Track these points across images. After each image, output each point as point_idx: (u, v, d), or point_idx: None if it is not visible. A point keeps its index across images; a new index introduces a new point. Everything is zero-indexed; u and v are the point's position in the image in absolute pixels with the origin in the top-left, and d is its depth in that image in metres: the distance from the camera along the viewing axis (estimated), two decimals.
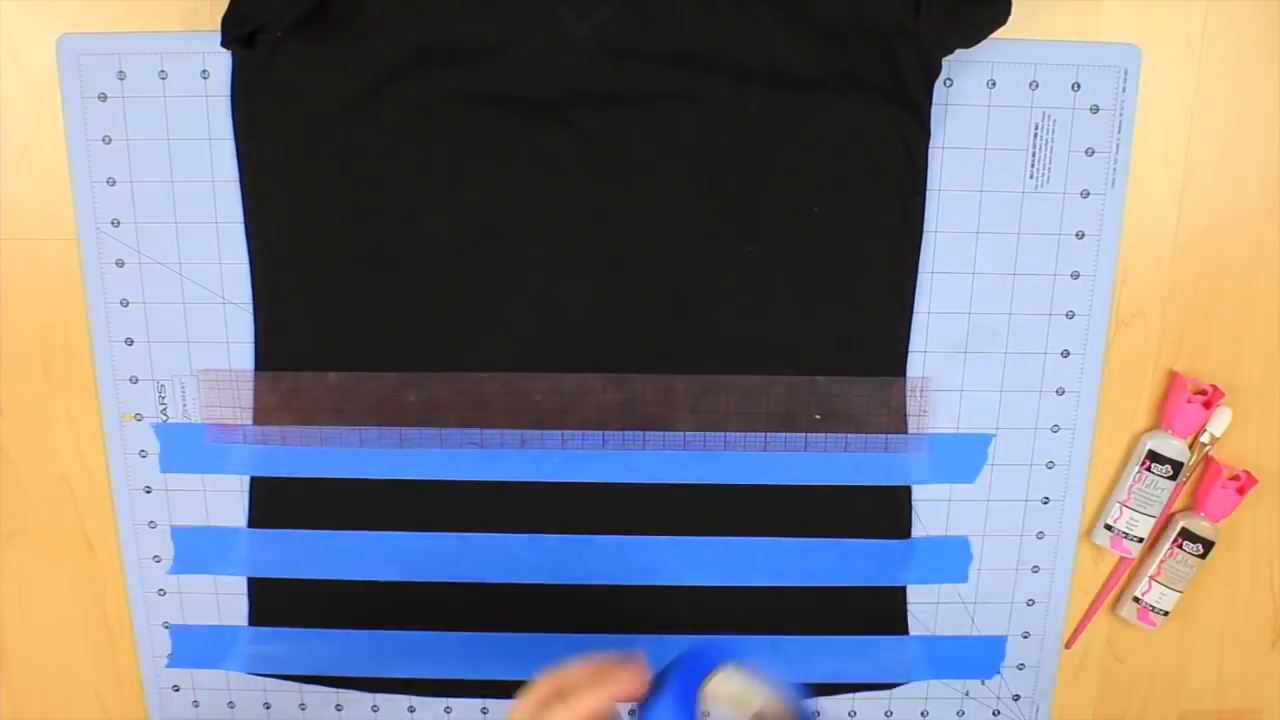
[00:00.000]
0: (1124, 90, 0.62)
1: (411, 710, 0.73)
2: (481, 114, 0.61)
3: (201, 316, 0.65)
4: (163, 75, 0.62)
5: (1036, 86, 0.62)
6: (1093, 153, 0.63)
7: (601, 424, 0.66)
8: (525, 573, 0.69)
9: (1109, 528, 0.68)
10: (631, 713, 0.55)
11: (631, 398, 0.65)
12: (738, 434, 0.66)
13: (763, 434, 0.66)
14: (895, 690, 0.72)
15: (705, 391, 0.65)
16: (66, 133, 0.63)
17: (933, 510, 0.68)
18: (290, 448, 0.67)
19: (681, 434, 0.66)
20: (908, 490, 0.68)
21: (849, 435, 0.66)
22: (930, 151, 0.62)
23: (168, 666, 0.72)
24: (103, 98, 0.62)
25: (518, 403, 0.65)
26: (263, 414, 0.66)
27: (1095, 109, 0.62)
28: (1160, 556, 0.69)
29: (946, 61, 0.60)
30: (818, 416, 0.66)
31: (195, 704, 0.73)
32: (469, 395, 0.65)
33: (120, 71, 0.62)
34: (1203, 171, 0.64)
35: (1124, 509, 0.68)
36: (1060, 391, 0.66)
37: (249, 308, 0.65)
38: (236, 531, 0.69)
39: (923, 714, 0.73)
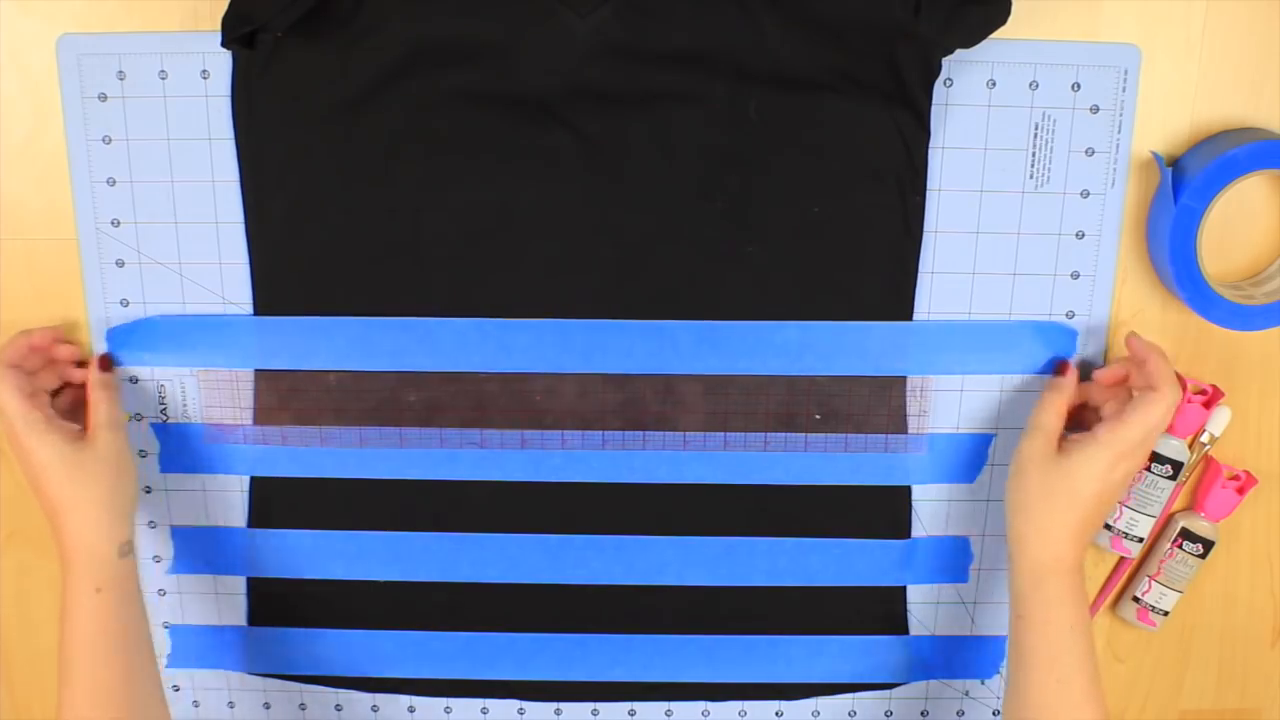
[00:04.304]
0: (1124, 90, 0.62)
1: (411, 710, 0.73)
2: (481, 113, 0.61)
3: None
4: (163, 75, 0.62)
5: (1036, 86, 0.62)
6: (1093, 153, 0.63)
7: (601, 424, 0.66)
8: (525, 573, 0.69)
9: (1109, 527, 0.68)
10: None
11: (631, 398, 0.65)
12: (738, 434, 0.66)
13: (763, 434, 0.66)
14: (895, 690, 0.72)
15: (705, 391, 0.65)
16: (66, 133, 0.63)
17: (933, 510, 0.68)
18: (290, 448, 0.67)
19: (681, 434, 0.66)
20: (908, 490, 0.68)
21: (849, 435, 0.66)
22: (930, 151, 0.62)
23: (167, 667, 0.71)
24: (103, 98, 0.62)
25: (518, 403, 0.65)
26: (263, 414, 0.66)
27: (1095, 109, 0.62)
28: (1160, 556, 0.69)
29: (946, 61, 0.60)
30: (817, 416, 0.66)
31: (195, 704, 0.73)
32: (469, 395, 0.65)
33: (120, 71, 0.62)
34: None
35: (1124, 509, 0.68)
36: None
37: (249, 308, 0.65)
38: (236, 531, 0.69)
39: (923, 714, 0.73)
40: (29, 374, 0.62)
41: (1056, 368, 0.64)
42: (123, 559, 0.61)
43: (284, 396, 0.66)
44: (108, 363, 0.64)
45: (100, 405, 0.62)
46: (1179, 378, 0.66)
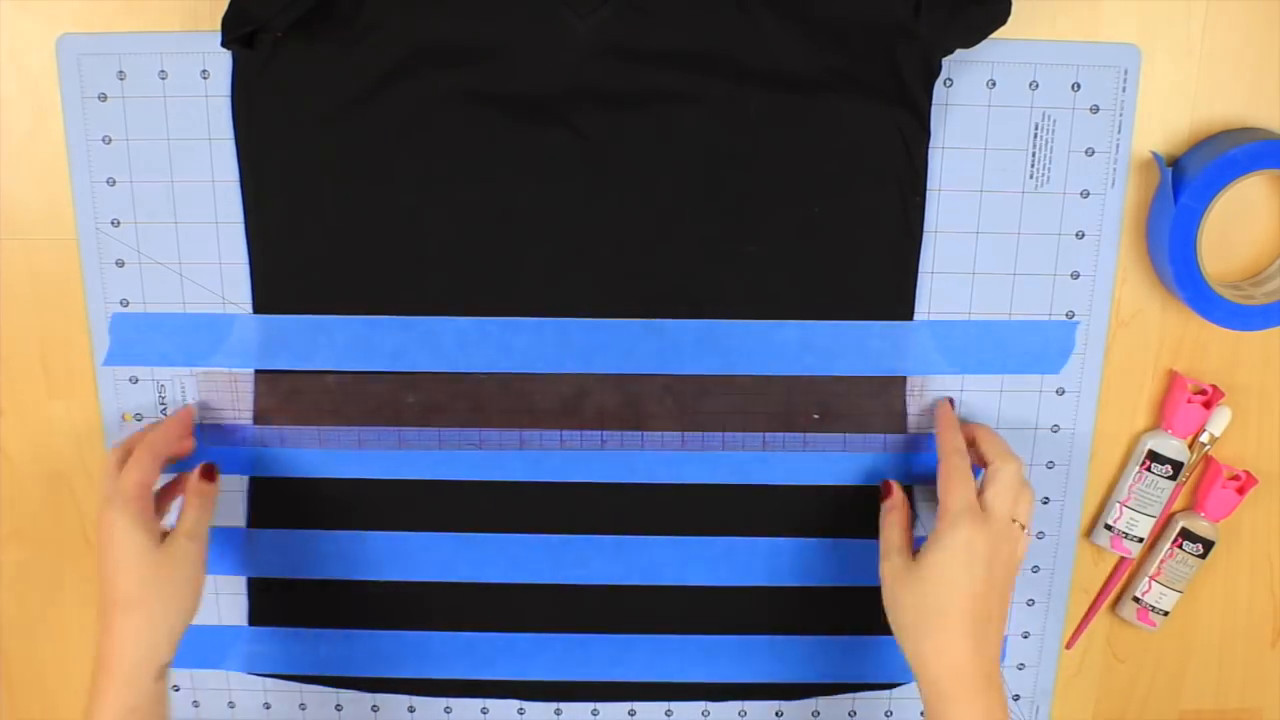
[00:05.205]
0: (1124, 90, 0.62)
1: (411, 710, 0.73)
2: (482, 113, 0.61)
3: None
4: (163, 75, 0.62)
5: (1036, 86, 0.62)
6: (1093, 153, 0.63)
7: (601, 424, 0.66)
8: (525, 573, 0.69)
9: (1109, 528, 0.68)
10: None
11: (631, 398, 0.65)
12: (736, 434, 0.66)
13: (761, 434, 0.66)
14: (895, 690, 0.72)
15: (704, 391, 0.65)
16: (66, 133, 0.63)
17: (933, 510, 0.68)
18: (290, 449, 0.67)
19: (681, 434, 0.66)
20: (908, 490, 0.68)
21: (848, 435, 0.66)
22: (930, 151, 0.62)
23: None
24: (103, 98, 0.62)
25: (516, 403, 0.65)
26: (262, 414, 0.66)
27: (1095, 109, 0.62)
28: (1160, 556, 0.69)
29: (946, 61, 0.60)
30: (816, 416, 0.66)
31: (195, 704, 0.73)
32: (468, 396, 0.65)
33: (120, 71, 0.62)
34: None
35: (1124, 509, 0.68)
36: (1060, 391, 0.67)
37: (249, 308, 0.65)
38: (236, 532, 0.69)
39: (922, 714, 0.73)
40: (155, 457, 0.61)
41: (882, 490, 0.65)
42: (157, 682, 0.59)
43: (284, 397, 0.66)
44: (211, 473, 0.63)
45: (189, 514, 0.62)
46: (1177, 376, 0.66)
